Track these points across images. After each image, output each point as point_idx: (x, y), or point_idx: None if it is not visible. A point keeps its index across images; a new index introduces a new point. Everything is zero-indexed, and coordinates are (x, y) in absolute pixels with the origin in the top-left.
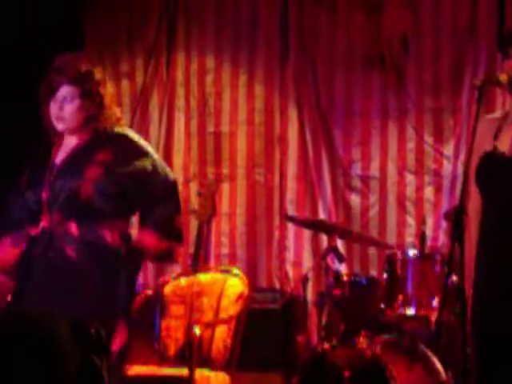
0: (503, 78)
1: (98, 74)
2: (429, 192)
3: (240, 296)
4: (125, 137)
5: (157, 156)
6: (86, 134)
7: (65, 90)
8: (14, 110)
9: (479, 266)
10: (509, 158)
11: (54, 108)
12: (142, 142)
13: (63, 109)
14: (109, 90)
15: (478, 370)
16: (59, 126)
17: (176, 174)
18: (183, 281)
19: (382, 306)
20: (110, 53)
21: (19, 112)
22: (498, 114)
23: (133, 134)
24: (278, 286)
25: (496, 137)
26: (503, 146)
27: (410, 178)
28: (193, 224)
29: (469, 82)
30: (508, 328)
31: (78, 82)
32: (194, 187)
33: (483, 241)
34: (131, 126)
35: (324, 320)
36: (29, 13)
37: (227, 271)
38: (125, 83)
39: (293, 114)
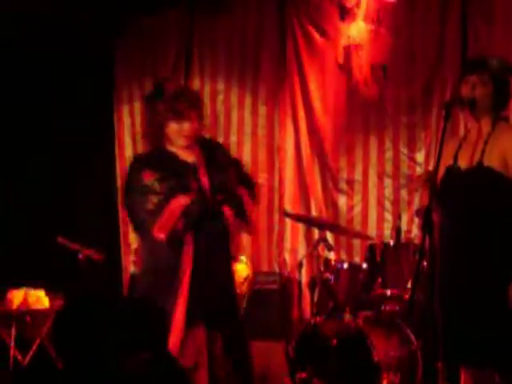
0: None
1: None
2: (404, 193)
3: (246, 278)
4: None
5: None
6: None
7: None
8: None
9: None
10: (463, 172)
11: (175, 126)
12: None
13: (184, 127)
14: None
15: (444, 335)
16: (180, 142)
17: None
18: None
19: (364, 287)
20: (136, 78)
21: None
22: (459, 135)
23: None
24: (277, 270)
25: (456, 153)
26: (462, 161)
27: (388, 181)
28: None
29: (438, 102)
30: (462, 300)
31: (197, 107)
32: None
33: (442, 237)
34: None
35: (315, 298)
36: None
37: (235, 258)
38: None
39: (290, 128)
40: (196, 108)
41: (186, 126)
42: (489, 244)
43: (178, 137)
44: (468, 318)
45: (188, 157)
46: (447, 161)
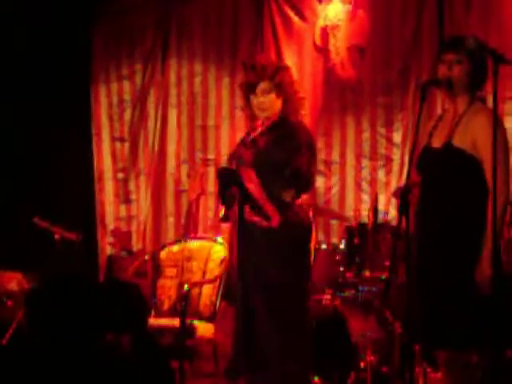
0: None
1: (282, 70)
2: (381, 174)
3: (223, 260)
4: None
5: None
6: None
7: (262, 86)
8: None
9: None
10: (436, 150)
11: (254, 101)
12: None
13: (261, 101)
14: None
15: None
16: (263, 115)
17: (169, 159)
18: (176, 247)
19: (342, 268)
20: (113, 59)
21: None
22: (436, 115)
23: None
24: None
25: (431, 134)
26: (436, 141)
27: (365, 162)
28: (184, 201)
29: (414, 83)
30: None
31: (271, 78)
32: (184, 171)
33: (416, 215)
34: (132, 121)
35: None
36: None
37: (213, 239)
38: (126, 84)
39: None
40: (267, 80)
41: (257, 99)
42: (454, 226)
43: (256, 111)
44: (440, 299)
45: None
46: (424, 140)
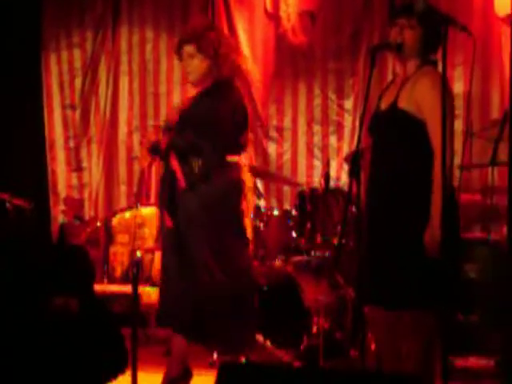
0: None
1: (208, 32)
2: (333, 140)
3: None
4: None
5: None
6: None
7: (186, 49)
8: None
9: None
10: (382, 113)
11: (181, 64)
12: None
13: (186, 64)
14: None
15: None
16: (189, 78)
17: (121, 127)
18: (128, 214)
19: (294, 234)
20: (64, 27)
21: None
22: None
23: None
24: None
25: (380, 97)
26: (383, 104)
27: (316, 128)
28: (136, 168)
29: (365, 48)
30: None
31: (195, 41)
32: (136, 138)
33: (368, 179)
34: (83, 88)
35: None
36: None
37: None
38: (77, 52)
39: (247, 71)
40: (191, 42)
41: (183, 63)
42: (400, 188)
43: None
44: (386, 261)
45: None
46: (374, 104)
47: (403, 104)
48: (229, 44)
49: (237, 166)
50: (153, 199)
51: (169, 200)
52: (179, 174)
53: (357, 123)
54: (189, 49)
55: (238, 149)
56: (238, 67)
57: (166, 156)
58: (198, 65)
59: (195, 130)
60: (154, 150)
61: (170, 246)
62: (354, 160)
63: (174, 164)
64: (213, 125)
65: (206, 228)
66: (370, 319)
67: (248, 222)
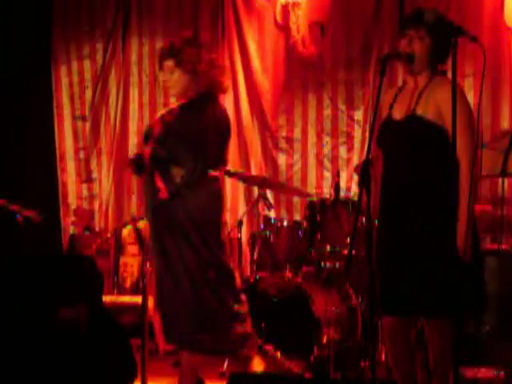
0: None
1: (189, 47)
2: (342, 151)
3: None
4: None
5: None
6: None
7: (166, 63)
8: None
9: (380, 211)
10: (397, 122)
11: (161, 78)
12: None
13: (166, 78)
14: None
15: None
16: (170, 92)
17: (131, 138)
18: (138, 225)
19: (304, 244)
20: (74, 38)
21: None
22: (397, 87)
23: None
24: None
25: (391, 106)
26: (396, 113)
27: (326, 139)
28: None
29: (375, 59)
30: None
31: (174, 55)
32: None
33: (382, 189)
34: (93, 100)
35: (255, 256)
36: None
37: None
38: (87, 63)
39: (229, 87)
40: (170, 57)
41: (163, 77)
42: (423, 193)
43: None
44: (421, 270)
45: None
46: (384, 113)
47: (422, 112)
48: (209, 59)
49: (218, 179)
50: None
51: (151, 211)
52: (161, 185)
53: (367, 134)
54: (168, 63)
55: (220, 162)
56: (219, 83)
57: (149, 167)
58: (177, 79)
59: (177, 142)
60: (137, 162)
61: (154, 257)
62: (363, 169)
63: (156, 175)
64: (195, 137)
65: (188, 237)
66: (388, 329)
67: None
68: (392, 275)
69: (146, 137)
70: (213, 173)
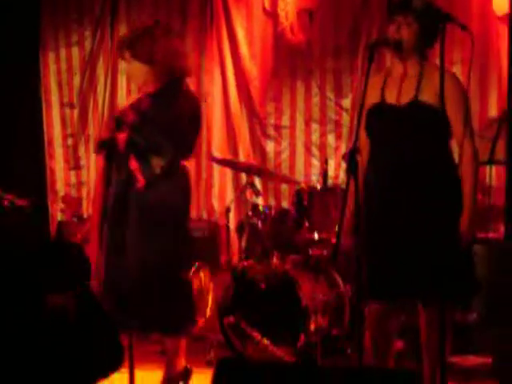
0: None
1: (143, 37)
2: (331, 138)
3: None
4: None
5: None
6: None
7: (125, 55)
8: None
9: (368, 196)
10: (394, 107)
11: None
12: None
13: (127, 69)
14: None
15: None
16: (133, 83)
17: None
18: None
19: (292, 231)
20: (62, 26)
21: None
22: (383, 72)
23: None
24: (205, 216)
25: (383, 90)
26: (390, 98)
27: (315, 127)
28: None
29: (364, 46)
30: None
31: (130, 46)
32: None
33: (373, 173)
34: (81, 87)
35: (243, 243)
36: None
37: None
38: (75, 50)
39: (217, 74)
40: (126, 49)
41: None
42: (425, 175)
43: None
44: (431, 255)
45: None
46: (372, 99)
47: (425, 98)
48: (167, 46)
49: (187, 170)
50: None
51: (123, 199)
52: (138, 174)
53: (355, 122)
54: (125, 55)
55: (189, 152)
56: (181, 68)
57: (125, 155)
58: (135, 70)
59: (155, 130)
60: (107, 146)
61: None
62: (351, 156)
63: (133, 163)
64: (172, 124)
65: (161, 226)
66: (375, 315)
67: None
68: (390, 259)
69: (118, 124)
70: (184, 162)
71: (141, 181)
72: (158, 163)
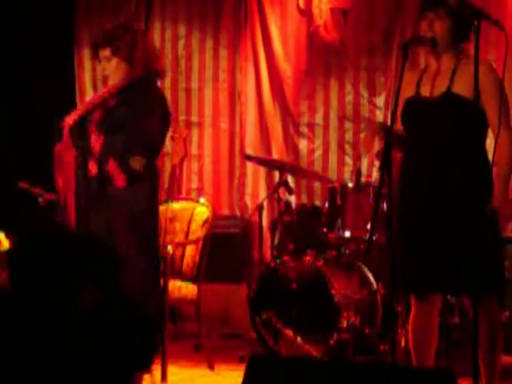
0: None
1: (123, 34)
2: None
3: (206, 221)
4: None
5: None
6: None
7: (103, 52)
8: None
9: (403, 192)
10: (428, 100)
11: (98, 67)
12: None
13: (103, 68)
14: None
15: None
16: (109, 81)
17: None
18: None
19: (325, 229)
20: (97, 23)
21: None
22: (418, 69)
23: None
24: (238, 213)
25: (418, 85)
26: (424, 92)
27: (348, 125)
28: (167, 164)
29: (398, 45)
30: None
31: (110, 43)
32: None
33: (407, 168)
34: None
35: (276, 241)
36: None
37: (195, 200)
38: None
39: (251, 72)
40: (106, 45)
41: (100, 66)
42: (459, 167)
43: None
44: (441, 247)
45: None
46: (406, 94)
47: (459, 90)
48: (145, 44)
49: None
50: (184, 195)
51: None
52: (117, 174)
53: (388, 120)
54: (105, 52)
55: (158, 153)
56: (155, 67)
57: (102, 157)
58: (115, 67)
59: (127, 130)
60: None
61: None
62: (384, 154)
63: (112, 165)
64: (143, 122)
65: (137, 227)
66: (416, 313)
67: None
68: (425, 252)
69: (82, 122)
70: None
71: (120, 181)
72: (138, 161)
